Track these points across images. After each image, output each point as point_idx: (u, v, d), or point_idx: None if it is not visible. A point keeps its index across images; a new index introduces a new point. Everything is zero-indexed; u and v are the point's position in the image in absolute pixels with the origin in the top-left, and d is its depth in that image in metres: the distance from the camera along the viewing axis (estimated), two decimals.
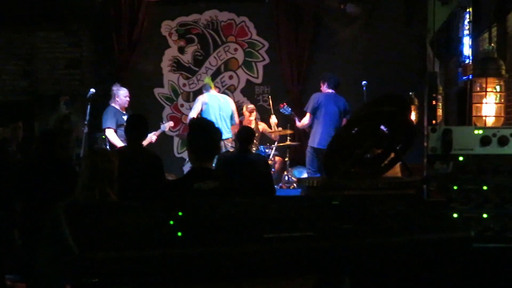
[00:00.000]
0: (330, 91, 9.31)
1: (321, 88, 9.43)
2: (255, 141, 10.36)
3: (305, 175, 9.91)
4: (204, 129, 4.15)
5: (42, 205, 5.32)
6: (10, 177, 5.97)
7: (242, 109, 11.12)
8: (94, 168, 4.34)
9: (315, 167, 9.14)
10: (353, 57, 11.23)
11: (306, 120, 9.42)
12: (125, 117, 8.69)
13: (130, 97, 9.16)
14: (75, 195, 4.37)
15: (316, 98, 9.30)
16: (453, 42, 8.64)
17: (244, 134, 6.99)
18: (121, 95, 9.03)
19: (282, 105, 10.37)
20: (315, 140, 9.24)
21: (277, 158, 10.69)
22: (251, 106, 10.90)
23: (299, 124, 9.84)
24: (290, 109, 10.28)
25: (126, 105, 9.08)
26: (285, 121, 10.85)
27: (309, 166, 9.40)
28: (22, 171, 5.90)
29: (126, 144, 6.67)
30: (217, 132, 4.27)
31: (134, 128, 5.92)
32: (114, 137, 8.73)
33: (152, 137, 9.22)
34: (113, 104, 9.01)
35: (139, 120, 6.05)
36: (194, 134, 4.16)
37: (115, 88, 9.11)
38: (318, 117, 9.25)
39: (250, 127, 8.40)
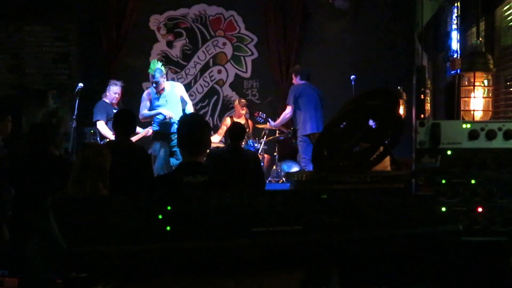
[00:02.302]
0: (303, 82, 9.53)
1: (294, 81, 9.73)
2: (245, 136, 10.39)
3: (294, 169, 9.95)
4: (193, 124, 4.15)
5: (32, 199, 5.30)
6: None
7: (232, 103, 11.13)
8: (85, 162, 4.32)
9: (309, 155, 9.23)
10: (341, 51, 11.26)
11: (288, 112, 9.61)
12: (115, 111, 8.71)
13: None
14: (66, 189, 4.35)
15: (295, 89, 9.57)
16: (441, 37, 8.66)
17: (236, 131, 7.01)
18: (111, 90, 9.08)
19: (256, 114, 10.47)
20: (306, 127, 9.42)
21: (265, 155, 10.69)
22: (244, 100, 10.91)
23: (274, 123, 10.04)
24: (264, 115, 10.50)
25: (114, 101, 9.09)
26: (273, 116, 10.87)
27: (304, 155, 9.53)
28: (12, 165, 5.87)
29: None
30: (206, 127, 4.27)
31: (121, 123, 5.93)
32: (105, 129, 8.77)
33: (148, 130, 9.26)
34: (104, 98, 9.08)
35: (126, 115, 6.06)
36: (183, 129, 4.17)
37: (109, 82, 9.17)
38: (302, 106, 9.48)
39: (242, 124, 8.39)
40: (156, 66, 9.39)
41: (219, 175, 4.31)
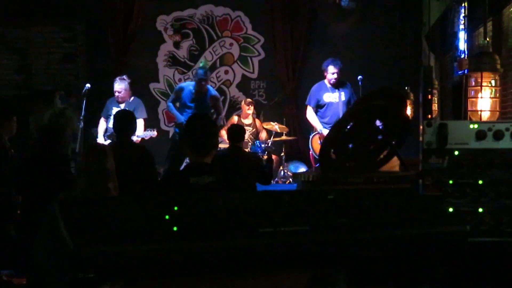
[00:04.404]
0: None
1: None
2: (251, 136, 10.37)
3: (301, 170, 9.90)
4: (200, 125, 4.15)
5: (40, 200, 5.31)
6: (6, 171, 5.94)
7: (239, 103, 11.13)
8: (98, 167, 4.30)
9: None
10: (348, 51, 11.23)
11: None
12: (116, 109, 8.70)
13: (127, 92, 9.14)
14: (77, 191, 4.34)
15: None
16: (448, 37, 8.64)
17: (234, 132, 7.00)
18: (114, 88, 9.05)
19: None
20: None
21: (272, 155, 10.64)
22: (249, 99, 10.89)
23: None
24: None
25: (119, 100, 9.04)
26: (279, 118, 10.88)
27: None
28: (21, 166, 5.88)
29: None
30: (214, 128, 4.27)
31: (120, 123, 5.96)
32: (99, 128, 8.96)
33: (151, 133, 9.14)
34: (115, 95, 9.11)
35: (124, 116, 6.09)
36: (190, 129, 4.17)
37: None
38: None
39: (240, 125, 8.32)
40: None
41: (226, 176, 4.30)
